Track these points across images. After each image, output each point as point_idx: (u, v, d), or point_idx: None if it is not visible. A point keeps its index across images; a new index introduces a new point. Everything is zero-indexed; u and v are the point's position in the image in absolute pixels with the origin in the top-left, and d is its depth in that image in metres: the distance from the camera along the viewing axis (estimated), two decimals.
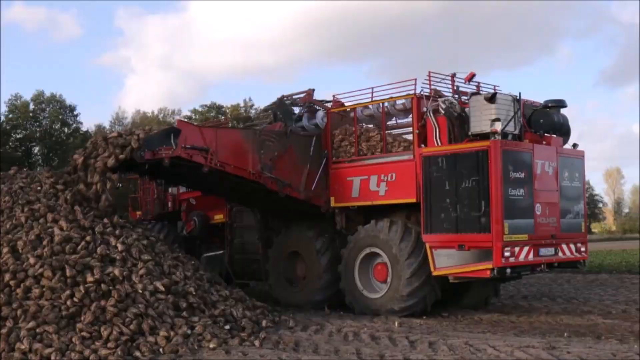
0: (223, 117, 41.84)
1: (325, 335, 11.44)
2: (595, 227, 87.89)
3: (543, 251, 13.03)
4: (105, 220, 12.29)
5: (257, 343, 10.45)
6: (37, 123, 50.52)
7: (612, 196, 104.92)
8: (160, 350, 9.69)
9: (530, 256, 12.71)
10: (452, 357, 9.24)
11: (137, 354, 9.49)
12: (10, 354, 9.23)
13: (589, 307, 14.73)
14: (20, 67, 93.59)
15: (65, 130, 51.83)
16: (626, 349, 9.63)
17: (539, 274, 15.95)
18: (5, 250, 11.20)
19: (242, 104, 58.53)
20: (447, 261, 12.77)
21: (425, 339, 10.76)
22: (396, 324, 12.44)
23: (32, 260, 10.86)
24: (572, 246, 13.74)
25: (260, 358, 9.34)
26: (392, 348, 10.12)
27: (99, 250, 11.23)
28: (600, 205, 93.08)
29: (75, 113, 52.17)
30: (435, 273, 12.95)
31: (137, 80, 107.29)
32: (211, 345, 10.09)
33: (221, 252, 17.41)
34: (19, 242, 11.33)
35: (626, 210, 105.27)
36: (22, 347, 9.29)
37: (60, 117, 50.99)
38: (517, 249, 12.42)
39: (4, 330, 9.60)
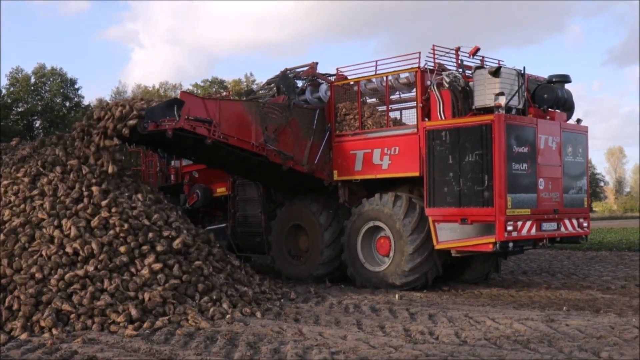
0: (225, 92, 41.64)
1: (326, 306, 11.54)
2: (597, 206, 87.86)
3: (545, 226, 13.06)
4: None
5: (258, 314, 10.55)
6: (39, 97, 50.28)
7: (614, 175, 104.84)
8: (162, 320, 9.73)
9: (533, 231, 12.75)
10: (452, 329, 9.32)
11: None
12: (14, 323, 9.33)
13: (588, 283, 14.82)
14: (29, 40, 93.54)
15: (67, 104, 51.64)
16: (624, 322, 9.70)
17: (541, 249, 16.02)
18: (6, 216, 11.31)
19: (243, 79, 58.41)
20: (449, 235, 12.80)
21: (425, 311, 10.86)
22: (397, 296, 12.52)
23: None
24: (574, 221, 13.78)
25: (261, 328, 9.42)
26: (393, 319, 10.22)
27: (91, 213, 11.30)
28: (602, 184, 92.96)
29: (76, 87, 51.96)
30: (437, 247, 12.99)
31: (144, 54, 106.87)
32: (213, 316, 10.17)
33: (224, 225, 17.44)
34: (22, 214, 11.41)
35: (627, 189, 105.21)
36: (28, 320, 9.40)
37: (61, 90, 50.78)
38: (519, 224, 12.45)
39: (14, 306, 9.67)
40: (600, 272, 16.96)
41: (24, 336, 8.99)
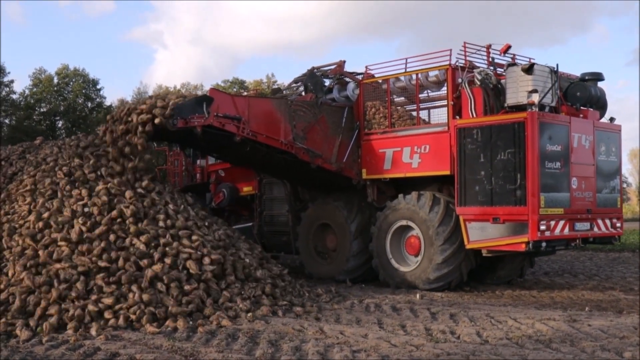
0: (245, 93, 41.68)
1: (347, 305, 11.52)
2: None
3: (578, 226, 12.86)
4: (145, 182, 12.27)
5: (280, 313, 10.53)
6: (61, 97, 50.66)
7: (637, 177, 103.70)
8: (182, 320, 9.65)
9: (566, 230, 12.55)
10: (473, 328, 9.25)
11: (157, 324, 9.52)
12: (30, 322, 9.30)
13: (610, 284, 14.65)
14: (54, 41, 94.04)
15: (89, 104, 51.97)
16: None
17: (573, 250, 15.79)
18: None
19: (264, 80, 58.41)
20: (481, 234, 12.62)
21: (447, 310, 10.79)
22: (417, 296, 12.45)
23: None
24: (607, 221, 13.55)
25: (283, 326, 9.41)
26: (414, 319, 10.17)
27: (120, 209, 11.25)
28: (625, 185, 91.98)
29: (98, 87, 52.28)
30: (469, 246, 12.82)
31: (167, 55, 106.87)
32: (234, 314, 10.12)
33: (250, 224, 17.39)
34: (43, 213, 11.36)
35: None
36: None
37: (83, 91, 51.12)
38: (552, 223, 12.25)
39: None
40: (623, 273, 16.75)
41: None
